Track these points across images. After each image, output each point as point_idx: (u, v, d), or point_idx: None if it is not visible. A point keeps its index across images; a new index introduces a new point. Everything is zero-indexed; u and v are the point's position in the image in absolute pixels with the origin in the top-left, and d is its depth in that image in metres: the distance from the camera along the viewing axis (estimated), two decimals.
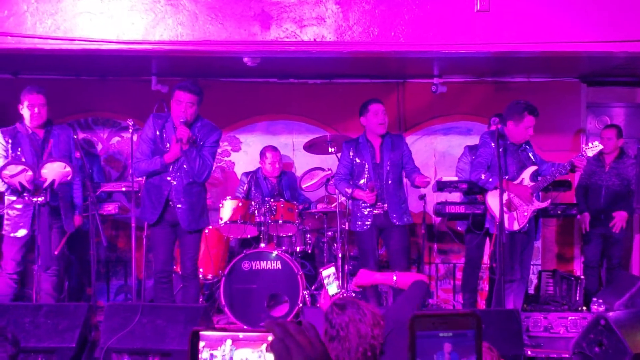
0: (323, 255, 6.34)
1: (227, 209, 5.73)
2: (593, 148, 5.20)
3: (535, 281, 6.62)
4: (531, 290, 6.50)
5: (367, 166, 5.47)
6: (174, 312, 4.45)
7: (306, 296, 5.58)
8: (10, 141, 5.12)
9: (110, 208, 5.95)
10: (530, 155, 5.35)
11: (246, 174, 6.64)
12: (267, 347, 1.12)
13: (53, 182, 4.81)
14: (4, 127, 5.24)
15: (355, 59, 6.11)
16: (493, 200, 5.13)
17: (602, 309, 5.25)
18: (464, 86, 7.33)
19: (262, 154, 6.58)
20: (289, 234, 5.99)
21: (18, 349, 2.75)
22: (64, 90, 6.84)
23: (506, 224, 5.03)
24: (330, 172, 6.07)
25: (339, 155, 5.86)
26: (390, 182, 5.47)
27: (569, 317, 5.25)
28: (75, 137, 5.25)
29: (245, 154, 7.34)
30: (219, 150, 6.50)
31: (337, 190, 5.71)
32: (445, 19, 5.30)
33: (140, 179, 5.29)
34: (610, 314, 4.23)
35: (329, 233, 6.31)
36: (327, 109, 7.32)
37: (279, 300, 5.69)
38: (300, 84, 7.33)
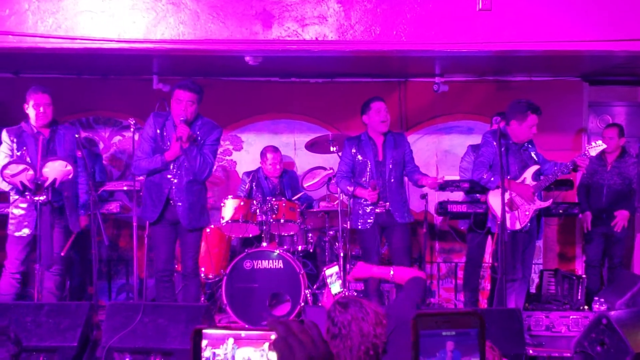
0: (325, 255, 6.34)
1: (229, 208, 5.73)
2: (596, 147, 5.19)
3: (536, 280, 6.62)
4: (533, 290, 6.50)
5: (369, 164, 5.46)
6: (176, 312, 4.45)
7: (308, 295, 5.58)
8: (15, 140, 5.12)
9: (112, 207, 5.95)
10: (532, 154, 5.34)
11: (247, 173, 6.63)
12: (269, 346, 1.12)
13: (54, 181, 4.81)
14: (5, 125, 5.24)
15: (357, 58, 6.11)
16: (495, 200, 5.13)
17: (603, 308, 5.25)
18: (466, 85, 7.33)
19: (263, 154, 6.56)
20: (291, 233, 5.99)
21: (20, 348, 2.75)
22: (65, 90, 6.83)
23: (508, 224, 5.02)
24: (332, 171, 6.06)
25: (340, 154, 5.85)
26: (392, 180, 5.46)
27: (571, 316, 5.24)
28: (77, 135, 5.26)
29: (246, 153, 7.33)
30: (220, 150, 6.51)
31: (338, 189, 5.70)
32: (447, 18, 5.30)
33: (141, 177, 5.30)
34: (612, 313, 4.23)
35: (331, 232, 6.31)
36: (328, 108, 7.31)
37: (280, 299, 5.69)
38: (301, 83, 7.33)
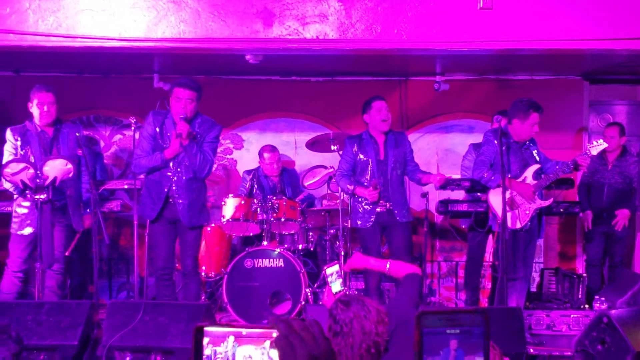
0: (325, 253, 6.34)
1: (230, 206, 5.73)
2: (597, 146, 5.18)
3: (537, 279, 6.62)
4: (533, 288, 6.50)
5: (371, 163, 5.45)
6: (177, 310, 4.44)
7: (308, 294, 5.58)
8: (19, 139, 5.12)
9: (113, 206, 5.94)
10: (534, 153, 5.33)
11: (248, 171, 6.62)
12: (271, 344, 1.12)
13: (55, 179, 4.81)
14: (5, 124, 5.24)
15: (358, 57, 6.11)
16: (495, 199, 5.12)
17: (604, 306, 5.25)
18: (467, 84, 7.33)
19: (260, 154, 6.54)
20: (291, 232, 5.98)
21: (21, 347, 2.75)
22: (66, 88, 6.81)
23: (508, 222, 5.02)
24: (332, 170, 6.06)
25: (340, 153, 5.85)
26: (394, 179, 5.46)
27: (572, 315, 5.24)
28: (77, 134, 5.25)
29: (247, 151, 7.33)
30: (221, 148, 6.51)
31: (338, 187, 5.70)
32: (448, 17, 5.29)
33: (141, 176, 5.29)
34: (613, 311, 4.23)
35: (332, 231, 6.31)
36: (329, 107, 7.31)
37: (281, 298, 5.69)
38: (302, 81, 7.33)
